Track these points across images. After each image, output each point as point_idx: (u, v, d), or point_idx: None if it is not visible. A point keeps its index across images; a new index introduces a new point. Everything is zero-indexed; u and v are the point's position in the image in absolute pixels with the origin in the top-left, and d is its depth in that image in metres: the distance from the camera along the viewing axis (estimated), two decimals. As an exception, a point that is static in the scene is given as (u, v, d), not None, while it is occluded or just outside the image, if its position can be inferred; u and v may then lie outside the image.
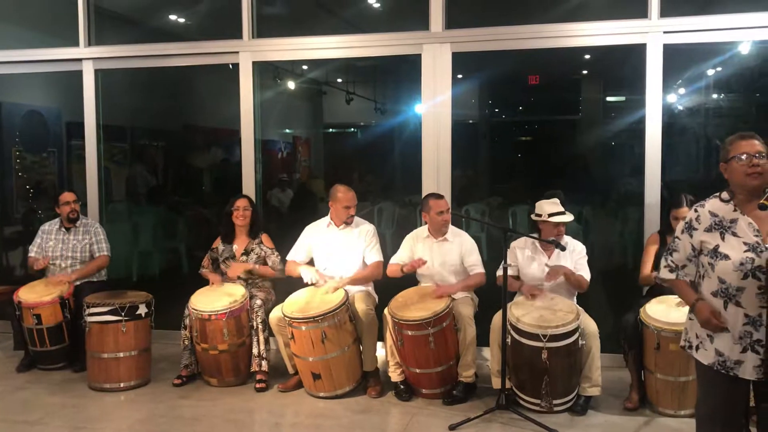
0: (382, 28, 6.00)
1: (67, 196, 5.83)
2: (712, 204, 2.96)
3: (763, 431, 2.91)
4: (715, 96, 7.34)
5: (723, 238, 2.87)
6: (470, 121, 8.73)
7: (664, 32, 5.26)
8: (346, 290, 5.02)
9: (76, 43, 6.36)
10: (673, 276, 3.08)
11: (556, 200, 4.85)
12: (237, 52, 6.06)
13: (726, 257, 2.83)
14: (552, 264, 4.81)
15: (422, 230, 5.25)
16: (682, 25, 5.25)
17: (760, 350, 2.78)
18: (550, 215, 4.76)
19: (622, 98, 8.31)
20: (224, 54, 6.16)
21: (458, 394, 4.80)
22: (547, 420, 4.37)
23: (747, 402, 2.95)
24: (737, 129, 3.16)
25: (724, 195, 2.94)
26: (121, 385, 5.15)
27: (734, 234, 2.85)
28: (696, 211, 2.98)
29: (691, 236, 2.96)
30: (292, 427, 4.56)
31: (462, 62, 5.79)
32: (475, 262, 5.06)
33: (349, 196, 5.22)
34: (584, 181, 7.40)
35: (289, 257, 5.38)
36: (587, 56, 6.81)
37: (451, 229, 5.16)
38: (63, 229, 5.84)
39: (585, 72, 7.89)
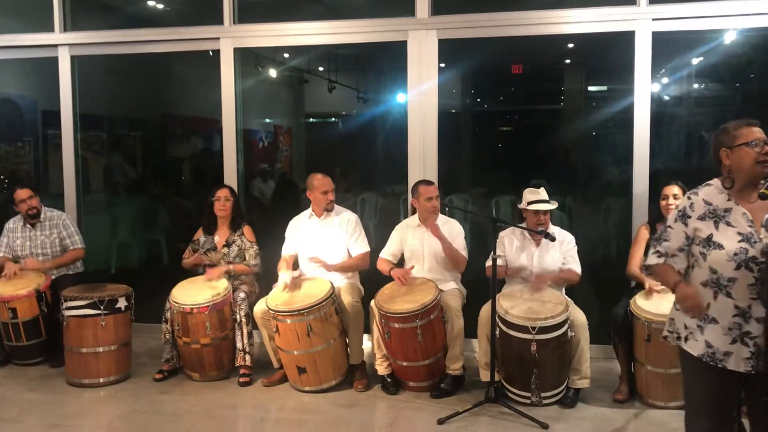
0: (366, 14, 5.88)
1: (21, 193, 5.52)
2: (706, 192, 2.89)
3: (754, 422, 2.90)
4: (701, 85, 7.33)
5: (717, 227, 2.80)
6: (452, 111, 8.65)
7: (653, 19, 5.22)
8: (332, 282, 4.94)
9: (51, 29, 6.18)
10: (661, 261, 2.97)
11: (538, 189, 4.79)
12: (218, 38, 5.93)
13: (720, 247, 2.76)
14: (541, 254, 4.77)
15: (412, 219, 5.18)
16: (671, 12, 5.21)
17: (749, 342, 2.74)
18: (530, 203, 4.71)
19: (604, 88, 8.30)
20: (205, 40, 6.02)
21: (446, 387, 4.74)
22: (537, 413, 4.32)
23: (738, 394, 2.90)
24: (724, 118, 3.11)
25: (726, 182, 2.85)
26: (101, 380, 5.04)
27: (728, 224, 2.79)
28: (690, 198, 2.90)
29: (686, 224, 2.88)
30: (277, 422, 4.49)
31: (445, 51, 5.69)
32: (458, 247, 5.00)
33: (325, 182, 5.17)
34: (567, 171, 7.37)
35: (282, 252, 5.33)
36: (571, 45, 6.76)
37: (441, 217, 5.10)
38: (28, 226, 5.63)
39: (568, 61, 7.85)
